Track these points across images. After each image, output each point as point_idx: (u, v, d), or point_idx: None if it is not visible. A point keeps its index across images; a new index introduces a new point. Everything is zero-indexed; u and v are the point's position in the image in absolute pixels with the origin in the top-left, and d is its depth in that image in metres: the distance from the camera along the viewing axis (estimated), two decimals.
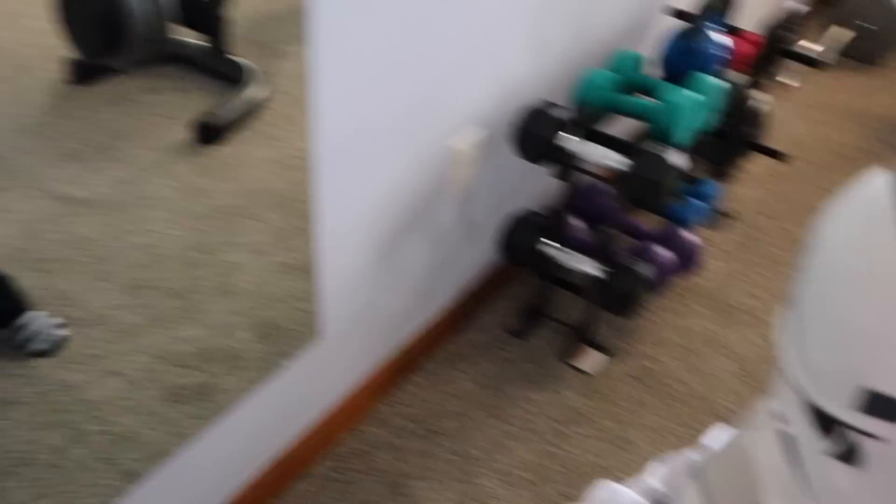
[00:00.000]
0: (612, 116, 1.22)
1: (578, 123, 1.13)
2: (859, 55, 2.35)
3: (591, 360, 1.32)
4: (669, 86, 1.19)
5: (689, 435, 1.19)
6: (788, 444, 0.39)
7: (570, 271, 1.23)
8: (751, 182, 1.76)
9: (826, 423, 0.35)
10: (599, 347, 1.33)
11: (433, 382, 1.27)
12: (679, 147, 1.11)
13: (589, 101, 1.21)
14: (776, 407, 0.40)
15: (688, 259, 1.37)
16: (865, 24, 2.34)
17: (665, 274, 1.28)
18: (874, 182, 0.34)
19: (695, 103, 1.15)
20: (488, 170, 1.21)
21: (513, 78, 1.16)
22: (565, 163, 1.14)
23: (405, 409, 1.22)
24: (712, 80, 1.21)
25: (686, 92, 1.16)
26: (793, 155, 1.69)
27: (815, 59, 1.47)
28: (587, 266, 1.21)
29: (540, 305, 1.37)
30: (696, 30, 1.29)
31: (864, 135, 2.06)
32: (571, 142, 1.11)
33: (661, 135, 1.14)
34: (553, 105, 1.12)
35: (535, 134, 1.11)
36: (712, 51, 1.28)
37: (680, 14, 1.48)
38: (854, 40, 2.30)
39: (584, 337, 1.33)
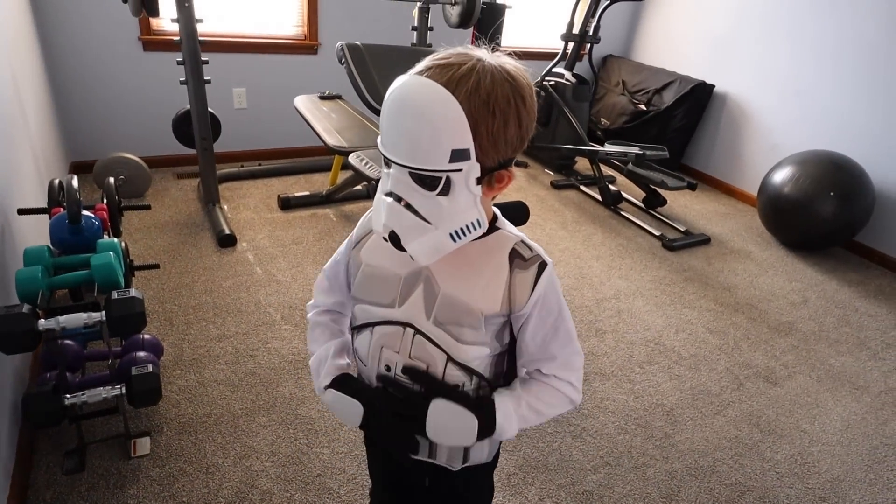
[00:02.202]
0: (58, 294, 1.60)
1: (45, 309, 1.51)
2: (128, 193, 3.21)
3: (141, 445, 1.75)
4: (89, 255, 1.68)
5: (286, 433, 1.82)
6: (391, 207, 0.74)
7: (92, 403, 1.61)
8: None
9: (430, 184, 0.72)
10: (141, 434, 1.77)
11: None
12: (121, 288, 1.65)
13: (34, 290, 1.57)
14: (385, 188, 0.75)
15: (156, 346, 1.93)
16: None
17: (155, 363, 1.81)
18: (399, 79, 0.72)
19: (115, 256, 1.70)
20: None
21: None
22: (45, 339, 1.50)
23: None
24: (106, 241, 1.77)
25: (103, 253, 1.68)
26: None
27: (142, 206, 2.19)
28: (109, 392, 1.62)
29: (80, 440, 1.68)
30: (72, 214, 1.79)
31: None
32: (51, 322, 1.49)
33: (107, 286, 1.64)
34: (17, 307, 1.44)
35: (17, 334, 1.42)
36: (92, 223, 1.82)
37: (28, 210, 1.90)
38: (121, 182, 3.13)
39: (128, 433, 1.74)
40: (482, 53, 0.76)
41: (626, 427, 1.98)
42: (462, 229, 0.79)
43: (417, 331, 0.87)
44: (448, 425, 0.85)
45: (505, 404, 0.89)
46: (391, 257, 0.88)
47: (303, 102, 3.28)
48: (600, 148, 3.70)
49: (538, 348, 0.89)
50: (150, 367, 1.69)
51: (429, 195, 0.77)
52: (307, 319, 1.04)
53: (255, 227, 2.96)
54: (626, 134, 4.45)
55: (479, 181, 0.77)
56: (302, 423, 1.85)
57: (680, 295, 2.80)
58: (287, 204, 3.17)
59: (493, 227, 0.88)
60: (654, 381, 2.20)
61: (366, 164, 2.44)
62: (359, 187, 3.28)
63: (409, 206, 0.78)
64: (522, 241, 0.88)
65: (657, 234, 3.36)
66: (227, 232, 2.76)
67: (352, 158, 2.51)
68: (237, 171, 3.49)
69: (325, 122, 2.99)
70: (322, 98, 3.38)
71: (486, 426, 0.87)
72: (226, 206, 3.13)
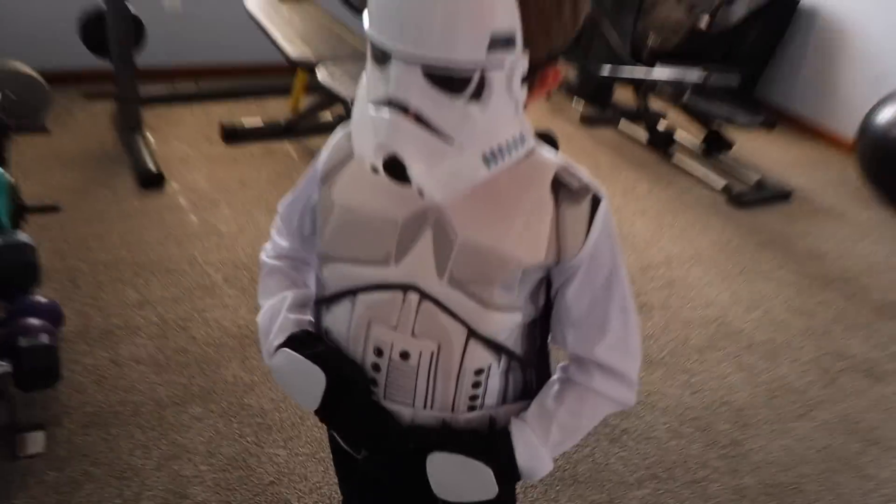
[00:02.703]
0: None
1: None
2: None
3: (32, 441, 1.68)
4: None
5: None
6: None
7: None
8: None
9: (455, 85, 0.68)
10: (34, 427, 1.70)
11: None
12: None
13: None
14: (393, 93, 0.70)
15: (54, 312, 1.85)
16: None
17: (52, 333, 1.73)
18: None
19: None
20: None
21: None
22: None
23: None
24: None
25: None
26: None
27: None
28: None
29: None
30: None
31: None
32: None
33: None
34: None
35: None
36: None
37: None
38: None
39: (15, 426, 1.67)
40: None
41: (681, 430, 1.94)
42: (498, 149, 0.75)
43: (424, 295, 0.83)
44: (457, 482, 0.85)
45: (526, 436, 0.86)
46: (382, 194, 0.83)
47: (256, 2, 3.18)
48: (647, 77, 3.61)
49: (583, 315, 0.87)
50: (45, 339, 1.64)
51: (453, 101, 0.71)
52: (260, 264, 1.00)
53: (190, 164, 2.91)
54: (681, 57, 4.34)
55: (524, 81, 0.73)
56: (250, 416, 1.81)
57: (752, 263, 2.76)
58: (233, 135, 3.12)
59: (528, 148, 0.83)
60: (717, 372, 2.17)
61: (340, 81, 2.35)
62: (327, 116, 3.21)
63: (419, 119, 0.72)
64: (566, 168, 0.83)
65: (721, 185, 3.31)
66: (153, 169, 2.72)
67: (320, 74, 2.43)
68: (167, 93, 3.43)
69: (285, 28, 2.91)
70: None
71: (506, 472, 0.85)
72: (151, 137, 3.08)
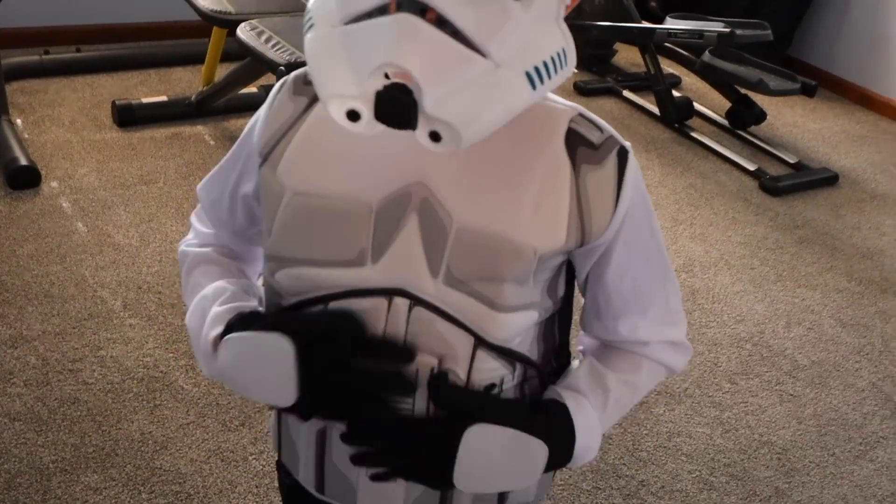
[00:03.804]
0: None
1: None
2: None
3: None
4: None
5: None
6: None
7: None
8: None
9: None
10: None
11: None
12: None
13: None
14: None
15: None
16: None
17: None
18: None
19: None
20: None
21: None
22: None
23: None
24: None
25: None
26: None
27: None
28: None
29: None
30: None
31: None
32: None
33: None
34: None
35: None
36: None
37: None
38: None
39: None
40: None
41: (712, 480, 1.97)
42: (544, 66, 0.72)
43: (416, 300, 0.82)
44: (494, 466, 0.82)
45: (585, 411, 0.88)
46: (349, 170, 0.82)
47: None
48: (657, 26, 3.66)
49: (626, 299, 0.90)
50: None
51: None
52: (180, 257, 0.99)
53: (73, 155, 2.88)
54: (698, 4, 4.41)
55: None
56: (164, 483, 1.80)
57: (791, 266, 2.80)
58: (129, 117, 3.09)
59: None
60: (753, 404, 2.20)
61: (267, 40, 2.34)
62: (252, 89, 3.19)
63: (442, 23, 0.68)
64: (581, 116, 0.84)
65: (752, 168, 3.37)
66: (24, 163, 2.68)
67: (242, 31, 2.42)
68: (38, 62, 3.38)
69: None
70: None
71: (561, 453, 0.86)
72: (19, 121, 3.03)
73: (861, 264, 2.87)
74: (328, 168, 0.82)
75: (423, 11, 0.66)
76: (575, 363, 0.96)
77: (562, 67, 0.73)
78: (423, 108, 0.67)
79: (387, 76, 0.67)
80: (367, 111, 0.69)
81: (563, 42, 0.73)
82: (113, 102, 3.11)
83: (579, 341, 0.99)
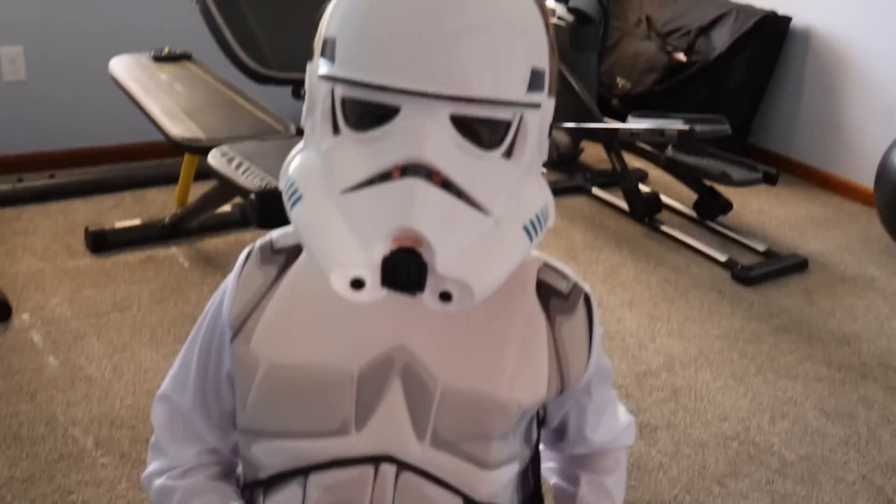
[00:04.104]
0: None
1: None
2: None
3: None
4: None
5: None
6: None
7: None
8: None
9: (492, 135, 0.70)
10: None
11: None
12: None
13: None
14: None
15: None
16: None
17: None
18: None
19: None
20: None
21: None
22: None
23: None
24: None
25: None
26: None
27: None
28: None
29: None
30: None
31: None
32: None
33: None
34: None
35: None
36: None
37: None
38: None
39: None
40: None
41: None
42: (537, 219, 0.75)
43: (403, 465, 0.81)
44: None
45: None
46: (327, 338, 0.80)
47: (125, 67, 3.20)
48: (620, 126, 3.71)
49: (597, 412, 0.96)
50: None
51: (486, 159, 0.71)
52: (155, 492, 0.93)
53: (45, 284, 2.84)
54: (659, 100, 4.50)
55: (550, 131, 0.80)
56: None
57: (770, 357, 2.78)
58: (102, 242, 3.07)
59: None
60: None
61: (238, 165, 2.34)
62: (226, 208, 3.18)
63: (447, 186, 0.68)
64: (547, 265, 0.87)
65: (723, 259, 3.37)
66: None
67: (213, 158, 2.41)
68: (11, 189, 3.37)
69: (164, 98, 2.91)
70: (159, 59, 3.31)
71: None
72: None
73: (839, 350, 2.85)
74: (305, 338, 0.81)
75: (430, 175, 0.67)
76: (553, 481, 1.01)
77: (545, 223, 0.76)
78: (435, 270, 0.67)
79: (392, 241, 0.67)
80: (371, 278, 0.68)
81: (546, 195, 0.77)
82: (86, 229, 3.09)
83: (545, 461, 1.03)
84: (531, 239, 0.73)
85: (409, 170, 0.67)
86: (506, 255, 0.71)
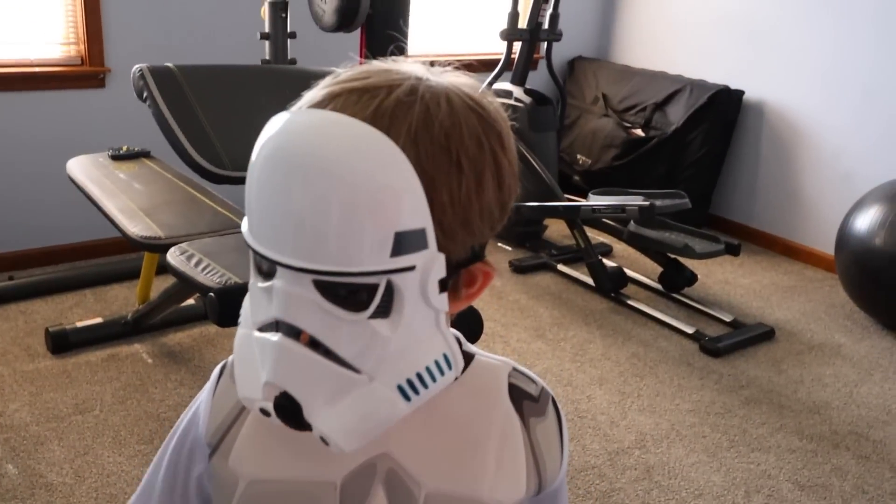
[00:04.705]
0: None
1: None
2: None
3: None
4: None
5: None
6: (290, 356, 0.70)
7: None
8: None
9: (357, 298, 0.69)
10: None
11: None
12: None
13: None
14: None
15: None
16: None
17: None
18: (279, 120, 0.70)
19: None
20: None
21: None
22: None
23: None
24: None
25: None
26: None
27: None
28: None
29: None
30: None
31: None
32: None
33: None
34: None
35: None
36: None
37: None
38: None
39: None
40: (416, 68, 0.74)
41: None
42: (418, 378, 0.74)
43: None
44: None
45: None
46: (307, 451, 0.80)
47: (82, 167, 3.20)
48: (582, 202, 3.77)
49: None
50: None
51: (354, 320, 0.71)
52: None
53: (4, 390, 2.79)
54: (619, 175, 4.59)
55: (444, 286, 0.73)
56: None
57: (742, 429, 2.79)
58: (63, 342, 3.03)
59: (462, 353, 0.85)
60: None
61: (198, 263, 2.34)
62: (190, 302, 3.16)
63: (315, 345, 0.71)
64: (515, 369, 0.88)
65: (690, 330, 3.41)
66: None
67: (172, 256, 2.41)
68: None
69: (122, 197, 2.91)
70: (116, 158, 3.33)
71: None
72: None
73: (809, 419, 2.86)
74: (285, 452, 0.81)
75: (298, 334, 0.71)
76: None
77: (442, 374, 0.75)
78: (303, 419, 0.71)
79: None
80: (273, 413, 0.73)
81: (443, 348, 0.75)
82: (46, 330, 3.05)
83: None
84: (408, 397, 0.73)
85: (281, 326, 0.72)
86: (372, 413, 0.72)
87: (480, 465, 0.82)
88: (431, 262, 0.70)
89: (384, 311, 0.70)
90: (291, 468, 0.81)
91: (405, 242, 0.68)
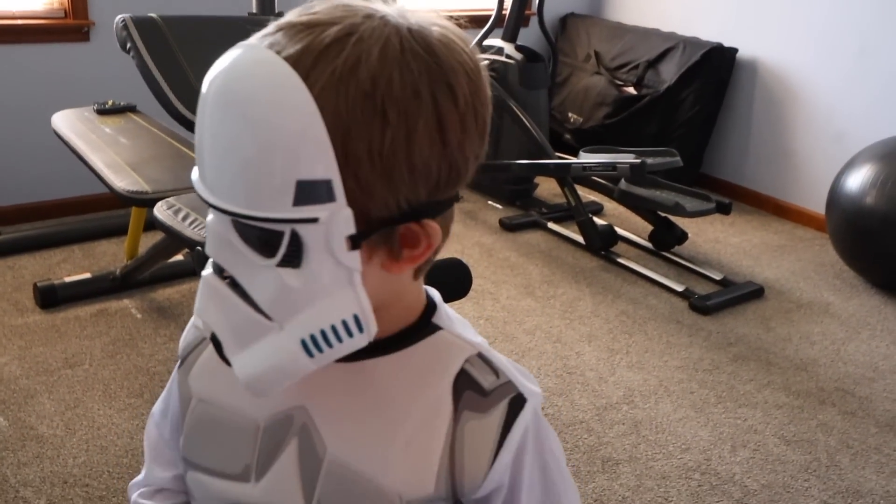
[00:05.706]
0: None
1: None
2: None
3: None
4: None
5: None
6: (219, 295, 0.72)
7: None
8: None
9: (268, 244, 0.68)
10: None
11: None
12: None
13: None
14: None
15: None
16: None
17: None
18: (235, 52, 0.67)
19: None
20: None
21: None
22: None
23: None
24: None
25: None
26: None
27: None
28: None
29: None
30: None
31: None
32: None
33: None
34: None
35: None
36: None
37: None
38: None
39: None
40: (380, 7, 0.70)
41: None
42: (322, 335, 0.71)
43: None
44: None
45: None
46: (238, 383, 0.81)
47: (68, 122, 3.18)
48: (573, 160, 3.77)
49: None
50: None
51: (264, 265, 0.70)
52: (129, 499, 0.98)
53: None
54: (611, 133, 4.59)
55: (356, 243, 0.69)
56: None
57: (730, 386, 2.83)
58: (52, 298, 3.05)
59: (427, 323, 0.82)
60: None
61: (185, 217, 2.35)
62: (179, 257, 3.17)
63: (235, 285, 0.73)
64: (480, 355, 0.81)
65: (680, 288, 3.44)
66: None
67: (159, 210, 2.42)
68: None
69: (108, 152, 2.90)
70: (102, 112, 3.32)
71: None
72: None
73: (796, 377, 2.91)
74: (226, 379, 0.80)
75: (222, 272, 0.74)
76: None
77: (350, 335, 0.71)
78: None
79: None
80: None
81: (354, 308, 0.71)
82: (35, 284, 3.06)
83: None
84: (310, 353, 0.70)
85: (213, 263, 0.75)
86: (275, 363, 0.71)
87: (387, 445, 0.77)
88: (338, 215, 0.67)
89: (292, 260, 0.69)
90: (229, 396, 0.84)
91: (308, 192, 0.66)
